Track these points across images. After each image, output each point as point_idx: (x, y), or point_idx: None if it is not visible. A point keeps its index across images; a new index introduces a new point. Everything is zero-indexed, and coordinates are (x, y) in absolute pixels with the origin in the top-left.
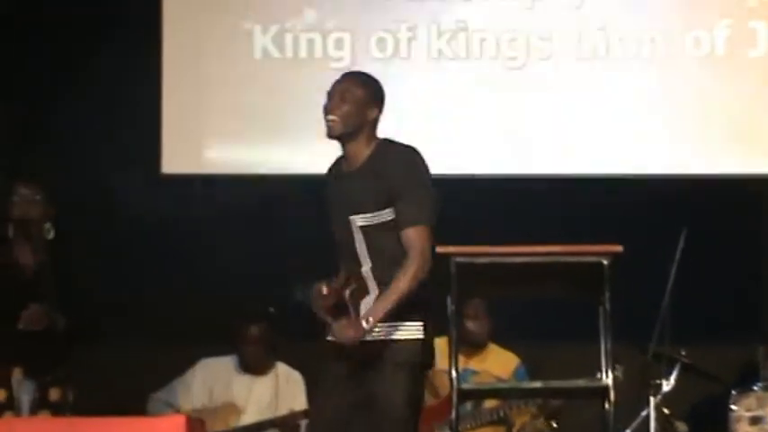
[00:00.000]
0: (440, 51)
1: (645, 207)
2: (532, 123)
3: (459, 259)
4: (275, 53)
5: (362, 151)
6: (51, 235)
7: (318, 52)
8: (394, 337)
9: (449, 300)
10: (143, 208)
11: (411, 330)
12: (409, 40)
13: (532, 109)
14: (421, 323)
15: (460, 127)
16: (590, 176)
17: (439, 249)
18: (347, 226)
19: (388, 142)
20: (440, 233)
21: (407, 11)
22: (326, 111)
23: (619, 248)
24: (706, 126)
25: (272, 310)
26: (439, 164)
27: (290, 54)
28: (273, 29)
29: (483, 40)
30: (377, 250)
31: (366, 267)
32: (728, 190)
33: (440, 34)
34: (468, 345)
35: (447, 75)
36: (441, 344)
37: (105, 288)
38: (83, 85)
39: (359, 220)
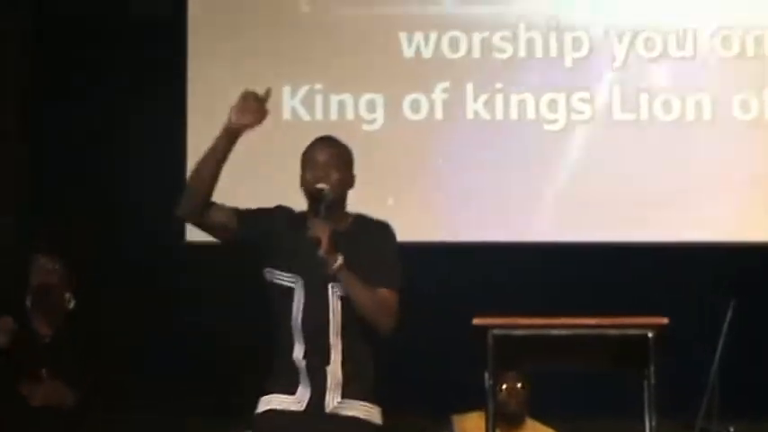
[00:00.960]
0: (476, 113)
1: (692, 276)
2: (574, 189)
3: (496, 331)
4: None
5: (343, 220)
6: (72, 305)
7: (350, 114)
8: (358, 414)
9: (486, 374)
10: (168, 277)
11: (373, 413)
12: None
13: (575, 175)
14: (380, 409)
15: (498, 191)
16: (635, 244)
17: (476, 321)
18: (322, 292)
19: (363, 215)
20: (476, 301)
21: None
22: (314, 179)
23: (664, 321)
24: (754, 192)
25: None
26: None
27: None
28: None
29: (521, 102)
30: (350, 322)
31: (334, 339)
32: None
33: (476, 95)
34: (504, 420)
35: (485, 136)
36: (476, 419)
37: (124, 359)
38: (107, 152)
39: (340, 289)
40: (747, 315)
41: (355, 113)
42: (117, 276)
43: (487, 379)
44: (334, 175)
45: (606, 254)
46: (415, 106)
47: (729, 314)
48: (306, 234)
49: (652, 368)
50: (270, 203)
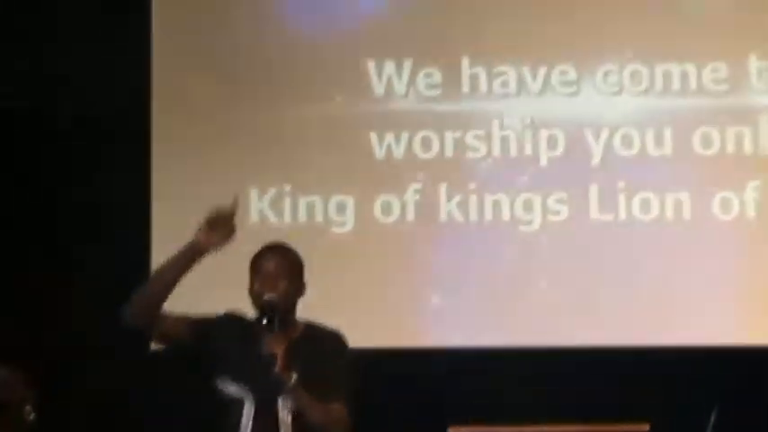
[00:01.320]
0: (449, 214)
1: (674, 380)
2: (551, 292)
3: None
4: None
5: (294, 329)
6: (32, 417)
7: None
8: None
9: None
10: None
11: None
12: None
13: (551, 277)
14: None
15: (473, 294)
16: (615, 348)
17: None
18: (272, 406)
19: (313, 324)
20: (452, 408)
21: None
22: (263, 287)
23: (646, 427)
24: (737, 294)
25: None
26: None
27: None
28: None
29: (495, 202)
30: None
31: None
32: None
33: (450, 196)
34: None
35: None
36: None
37: None
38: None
39: (291, 403)
40: (731, 421)
41: (324, 216)
42: (80, 387)
43: None
44: (283, 285)
45: (586, 357)
46: (387, 208)
47: (713, 420)
48: (258, 347)
49: None
50: (237, 310)
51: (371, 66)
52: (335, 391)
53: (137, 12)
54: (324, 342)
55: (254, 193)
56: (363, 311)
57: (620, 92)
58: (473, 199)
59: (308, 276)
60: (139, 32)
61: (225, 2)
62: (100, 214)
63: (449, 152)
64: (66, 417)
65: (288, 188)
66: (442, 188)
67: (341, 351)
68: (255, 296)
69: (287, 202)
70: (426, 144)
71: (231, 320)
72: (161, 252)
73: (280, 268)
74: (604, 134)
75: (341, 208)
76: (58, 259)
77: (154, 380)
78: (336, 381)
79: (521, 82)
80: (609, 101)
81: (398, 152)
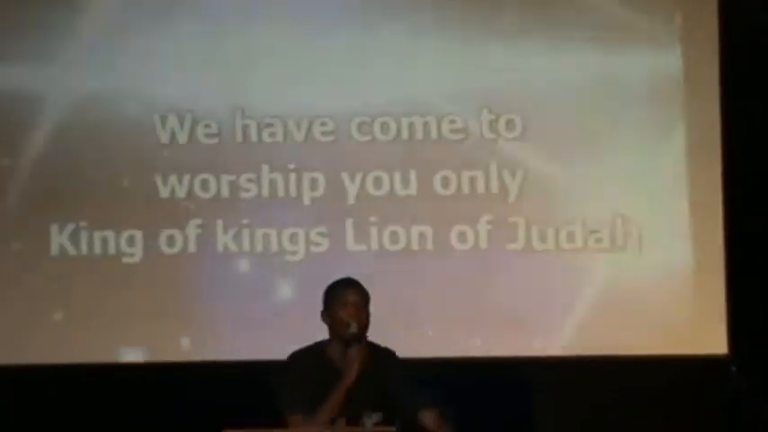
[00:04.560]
0: (225, 246)
1: None
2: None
3: None
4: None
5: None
6: None
7: (111, 248)
8: None
9: None
10: None
11: None
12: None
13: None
14: None
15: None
16: None
17: None
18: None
19: (370, 343)
20: None
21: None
22: (351, 320)
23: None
24: (474, 312)
25: None
26: None
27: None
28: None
29: (265, 235)
30: None
31: None
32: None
33: (226, 230)
34: None
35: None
36: None
37: None
38: None
39: (374, 417)
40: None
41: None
42: None
43: None
44: (364, 316)
45: None
46: (171, 241)
47: None
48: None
49: None
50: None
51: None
52: (420, 398)
53: None
54: (387, 358)
55: (54, 229)
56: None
57: (372, 140)
58: (246, 232)
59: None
60: None
61: None
62: None
63: (225, 193)
64: None
65: (84, 224)
66: (219, 223)
67: (400, 364)
68: (340, 324)
69: (83, 236)
70: (205, 186)
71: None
72: None
73: (362, 301)
74: (359, 177)
75: (131, 241)
76: None
77: None
78: (412, 389)
79: (287, 132)
80: (363, 147)
81: (181, 192)
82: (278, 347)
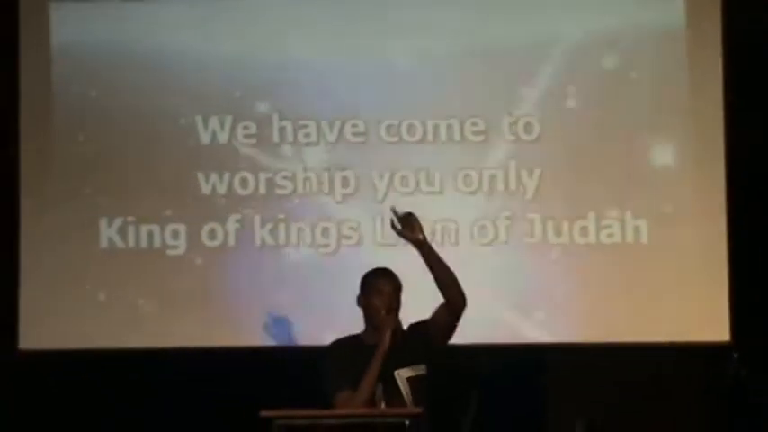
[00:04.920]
0: (263, 239)
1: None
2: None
3: (281, 421)
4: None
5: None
6: None
7: (157, 242)
8: None
9: None
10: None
11: None
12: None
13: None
14: None
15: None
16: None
17: (263, 413)
18: (393, 382)
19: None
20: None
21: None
22: (390, 308)
23: (418, 410)
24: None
25: None
26: None
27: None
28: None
29: (300, 229)
30: None
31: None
32: None
33: (263, 225)
34: None
35: (273, 262)
36: None
37: None
38: None
39: (404, 374)
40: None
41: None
42: None
43: None
44: (395, 302)
45: None
46: (212, 235)
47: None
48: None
49: None
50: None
51: (199, 120)
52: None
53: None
54: (418, 329)
55: (103, 223)
56: (195, 316)
57: (399, 141)
58: (282, 226)
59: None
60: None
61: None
62: None
63: (262, 190)
64: None
65: (131, 219)
66: (257, 219)
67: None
68: (373, 309)
69: (131, 230)
70: (244, 183)
71: (347, 350)
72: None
73: (394, 289)
74: (386, 175)
75: (175, 235)
76: None
77: None
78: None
79: (320, 133)
80: (390, 148)
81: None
82: (315, 335)
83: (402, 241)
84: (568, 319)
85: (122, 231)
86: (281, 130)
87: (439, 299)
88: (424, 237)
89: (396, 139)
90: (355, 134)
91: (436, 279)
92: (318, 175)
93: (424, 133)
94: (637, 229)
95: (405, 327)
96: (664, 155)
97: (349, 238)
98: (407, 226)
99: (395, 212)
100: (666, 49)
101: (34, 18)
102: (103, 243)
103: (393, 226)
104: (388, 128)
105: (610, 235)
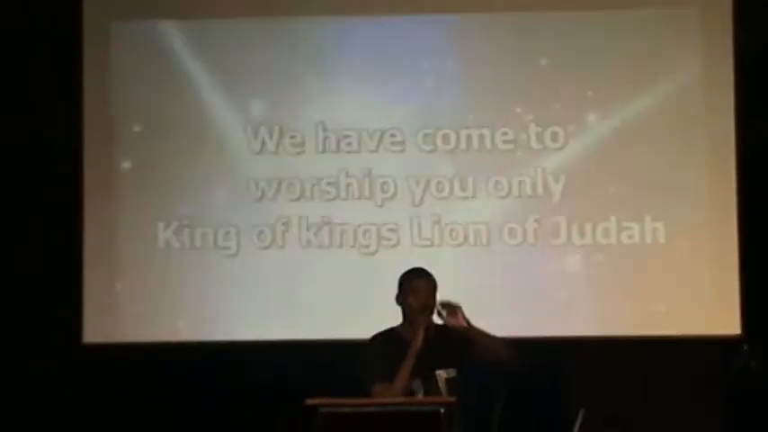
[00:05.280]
0: (308, 241)
1: None
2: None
3: (324, 410)
4: (176, 244)
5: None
6: None
7: (210, 243)
8: None
9: None
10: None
11: None
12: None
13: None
14: None
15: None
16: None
17: (308, 401)
18: (432, 380)
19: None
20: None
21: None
22: (425, 305)
23: (452, 399)
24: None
25: None
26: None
27: (187, 244)
28: (174, 224)
29: (343, 231)
30: None
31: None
32: None
33: (309, 228)
34: None
35: (314, 260)
36: None
37: None
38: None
39: (443, 375)
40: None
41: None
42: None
43: None
44: (430, 301)
45: None
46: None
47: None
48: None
49: None
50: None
51: (249, 130)
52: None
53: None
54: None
55: (161, 226)
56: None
57: (435, 149)
58: (325, 228)
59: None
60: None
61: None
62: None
63: (307, 194)
64: None
65: (186, 222)
66: (302, 221)
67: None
68: (409, 307)
69: (185, 232)
70: (291, 188)
71: (388, 347)
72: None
73: (429, 288)
74: (422, 181)
75: (228, 236)
76: None
77: None
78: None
79: (361, 142)
80: (427, 156)
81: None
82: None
83: (437, 243)
84: (589, 315)
85: (178, 233)
86: (325, 139)
87: (475, 298)
88: (468, 322)
89: (431, 147)
90: (393, 143)
91: (488, 351)
92: (359, 181)
93: (458, 142)
94: (654, 231)
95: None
96: (679, 163)
97: (389, 239)
98: (452, 314)
99: (441, 305)
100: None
101: (97, 39)
102: (161, 244)
103: (440, 315)
104: (425, 136)
105: (630, 236)
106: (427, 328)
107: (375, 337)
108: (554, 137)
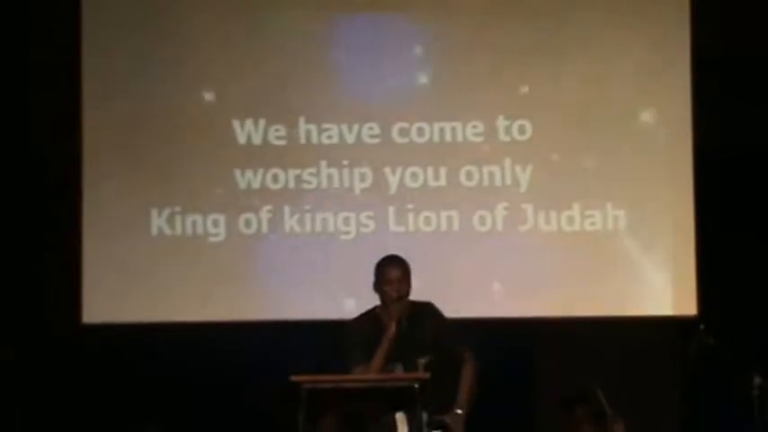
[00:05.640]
0: (291, 228)
1: None
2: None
3: (307, 386)
4: (167, 231)
5: (406, 308)
6: None
7: (200, 230)
8: None
9: (299, 417)
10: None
11: None
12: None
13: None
14: None
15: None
16: None
17: (292, 378)
18: (412, 366)
19: (411, 301)
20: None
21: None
22: (398, 294)
23: (426, 376)
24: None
25: None
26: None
27: (178, 231)
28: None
29: (323, 219)
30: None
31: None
32: None
33: (292, 215)
34: None
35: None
36: None
37: None
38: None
39: (422, 361)
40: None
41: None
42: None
43: (302, 421)
44: (404, 287)
45: None
46: (248, 223)
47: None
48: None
49: (418, 408)
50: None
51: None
52: (455, 342)
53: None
54: (427, 311)
55: (154, 213)
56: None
57: (409, 142)
58: (307, 216)
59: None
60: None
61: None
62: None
63: (291, 185)
64: None
65: (178, 209)
66: (286, 209)
67: (440, 313)
68: (385, 295)
69: (177, 219)
70: (274, 179)
71: (362, 330)
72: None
73: (402, 275)
74: (398, 171)
75: (215, 224)
76: None
77: None
78: (450, 334)
79: (341, 135)
80: (402, 148)
81: (256, 184)
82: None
83: (413, 228)
84: (554, 297)
85: (170, 220)
86: (307, 132)
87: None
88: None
89: (406, 139)
90: (371, 136)
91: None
92: (339, 171)
93: (431, 135)
94: (616, 219)
95: (412, 302)
96: (636, 153)
97: (366, 226)
98: None
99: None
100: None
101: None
102: (154, 230)
103: None
104: (400, 130)
105: (592, 223)
106: (399, 319)
107: (354, 321)
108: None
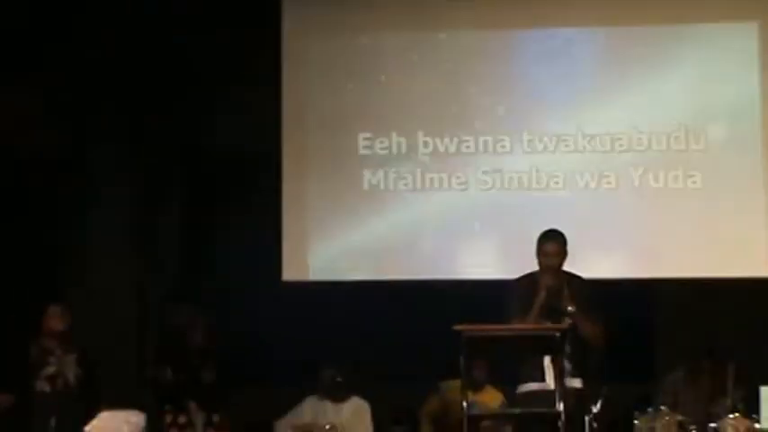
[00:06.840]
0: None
1: None
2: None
3: (467, 333)
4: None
5: (563, 278)
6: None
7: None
8: None
9: (461, 359)
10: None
11: None
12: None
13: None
14: None
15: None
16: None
17: (455, 327)
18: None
19: (568, 272)
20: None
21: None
22: (549, 266)
23: (566, 326)
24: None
25: None
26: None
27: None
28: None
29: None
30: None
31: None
32: None
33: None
34: (473, 387)
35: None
36: (456, 384)
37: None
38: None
39: (570, 310)
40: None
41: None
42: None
43: (462, 362)
44: (557, 260)
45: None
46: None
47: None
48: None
49: (559, 355)
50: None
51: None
52: (589, 312)
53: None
54: (579, 283)
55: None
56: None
57: (531, 152)
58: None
59: None
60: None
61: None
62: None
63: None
64: None
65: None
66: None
67: (583, 287)
68: (541, 266)
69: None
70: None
71: (527, 290)
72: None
73: (557, 249)
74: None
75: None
76: None
77: None
78: (588, 306)
79: (477, 146)
80: (529, 157)
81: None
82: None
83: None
84: (665, 257)
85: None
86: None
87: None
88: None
89: (529, 149)
90: (501, 147)
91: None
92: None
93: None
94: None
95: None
96: (716, 134)
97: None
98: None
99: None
100: None
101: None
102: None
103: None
104: (529, 141)
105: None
106: (549, 288)
107: (518, 280)
108: None
